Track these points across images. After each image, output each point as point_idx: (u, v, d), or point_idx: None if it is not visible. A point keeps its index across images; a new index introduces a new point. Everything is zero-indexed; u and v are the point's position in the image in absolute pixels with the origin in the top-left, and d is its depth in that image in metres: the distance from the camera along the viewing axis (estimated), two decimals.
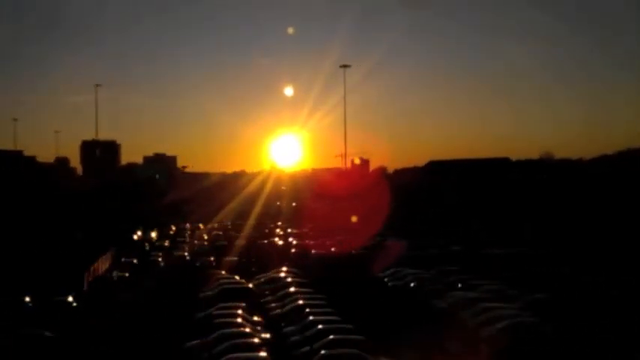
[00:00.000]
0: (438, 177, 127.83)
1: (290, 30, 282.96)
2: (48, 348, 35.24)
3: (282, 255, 77.24)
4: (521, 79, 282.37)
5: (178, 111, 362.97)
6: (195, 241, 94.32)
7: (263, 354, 30.93)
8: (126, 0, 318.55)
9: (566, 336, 35.61)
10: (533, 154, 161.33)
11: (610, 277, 52.73)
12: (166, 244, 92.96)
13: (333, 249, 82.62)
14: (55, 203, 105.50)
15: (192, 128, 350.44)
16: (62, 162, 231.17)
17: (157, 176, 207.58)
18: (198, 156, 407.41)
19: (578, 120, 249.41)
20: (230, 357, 30.00)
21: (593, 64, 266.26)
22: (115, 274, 63.47)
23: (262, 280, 57.54)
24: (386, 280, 59.53)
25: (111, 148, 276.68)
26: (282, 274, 58.15)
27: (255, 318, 41.43)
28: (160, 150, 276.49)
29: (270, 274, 58.93)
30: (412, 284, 55.00)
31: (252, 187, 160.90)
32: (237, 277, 56.72)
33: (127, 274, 63.94)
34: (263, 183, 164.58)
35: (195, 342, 34.75)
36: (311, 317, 38.92)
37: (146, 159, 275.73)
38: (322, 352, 31.67)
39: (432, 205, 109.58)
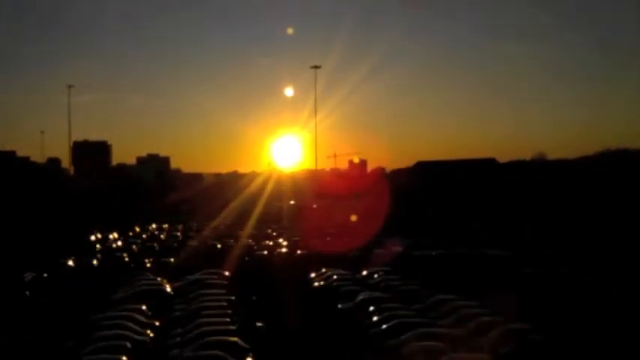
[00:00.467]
0: (425, 178, 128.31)
1: (290, 30, 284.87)
2: None
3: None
4: (520, 79, 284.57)
5: (176, 111, 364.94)
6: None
7: (124, 358, 31.05)
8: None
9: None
10: (527, 154, 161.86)
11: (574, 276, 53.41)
12: (120, 244, 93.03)
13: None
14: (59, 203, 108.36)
15: (186, 129, 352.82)
16: (54, 162, 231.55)
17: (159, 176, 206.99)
18: (193, 156, 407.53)
19: (579, 120, 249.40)
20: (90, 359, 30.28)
21: (592, 64, 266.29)
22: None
23: (188, 280, 57.66)
24: (312, 280, 59.71)
25: (102, 149, 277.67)
26: (208, 275, 58.29)
27: (156, 322, 41.55)
28: (156, 151, 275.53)
29: (197, 275, 58.98)
30: (320, 284, 55.38)
31: (248, 187, 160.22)
32: (159, 279, 56.70)
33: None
34: (261, 183, 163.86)
35: (71, 342, 34.94)
36: (201, 319, 39.07)
37: (139, 159, 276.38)
38: (189, 354, 31.87)
39: (420, 206, 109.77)
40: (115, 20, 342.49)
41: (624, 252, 63.09)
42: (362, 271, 61.69)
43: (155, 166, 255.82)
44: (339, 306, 47.23)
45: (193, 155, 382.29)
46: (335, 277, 57.64)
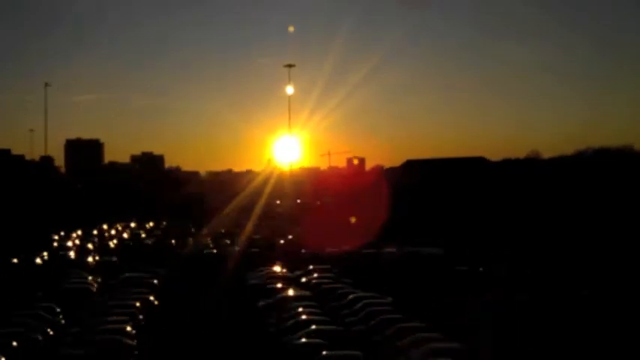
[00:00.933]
0: (413, 176, 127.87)
1: (290, 29, 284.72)
2: None
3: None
4: (520, 79, 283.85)
5: (174, 111, 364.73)
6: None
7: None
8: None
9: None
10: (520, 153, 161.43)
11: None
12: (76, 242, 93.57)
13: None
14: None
15: (181, 127, 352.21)
16: (47, 161, 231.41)
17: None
18: (186, 155, 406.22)
19: (578, 119, 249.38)
20: None
21: (591, 63, 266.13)
22: None
23: (125, 278, 57.88)
24: (248, 278, 60.01)
25: (94, 147, 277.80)
26: (141, 274, 58.56)
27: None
28: (156, 150, 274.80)
29: (131, 274, 59.14)
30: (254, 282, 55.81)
31: (242, 187, 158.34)
32: (90, 278, 56.89)
33: None
34: (258, 183, 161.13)
35: None
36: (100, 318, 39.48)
37: (133, 158, 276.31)
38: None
39: (410, 205, 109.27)
40: (114, 20, 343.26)
41: (604, 253, 62.10)
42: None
43: (149, 164, 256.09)
44: (260, 303, 47.44)
45: (187, 154, 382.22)
46: (269, 275, 57.88)
